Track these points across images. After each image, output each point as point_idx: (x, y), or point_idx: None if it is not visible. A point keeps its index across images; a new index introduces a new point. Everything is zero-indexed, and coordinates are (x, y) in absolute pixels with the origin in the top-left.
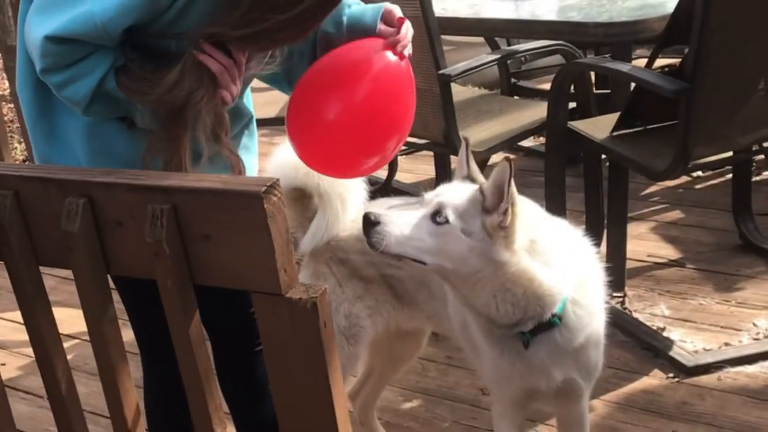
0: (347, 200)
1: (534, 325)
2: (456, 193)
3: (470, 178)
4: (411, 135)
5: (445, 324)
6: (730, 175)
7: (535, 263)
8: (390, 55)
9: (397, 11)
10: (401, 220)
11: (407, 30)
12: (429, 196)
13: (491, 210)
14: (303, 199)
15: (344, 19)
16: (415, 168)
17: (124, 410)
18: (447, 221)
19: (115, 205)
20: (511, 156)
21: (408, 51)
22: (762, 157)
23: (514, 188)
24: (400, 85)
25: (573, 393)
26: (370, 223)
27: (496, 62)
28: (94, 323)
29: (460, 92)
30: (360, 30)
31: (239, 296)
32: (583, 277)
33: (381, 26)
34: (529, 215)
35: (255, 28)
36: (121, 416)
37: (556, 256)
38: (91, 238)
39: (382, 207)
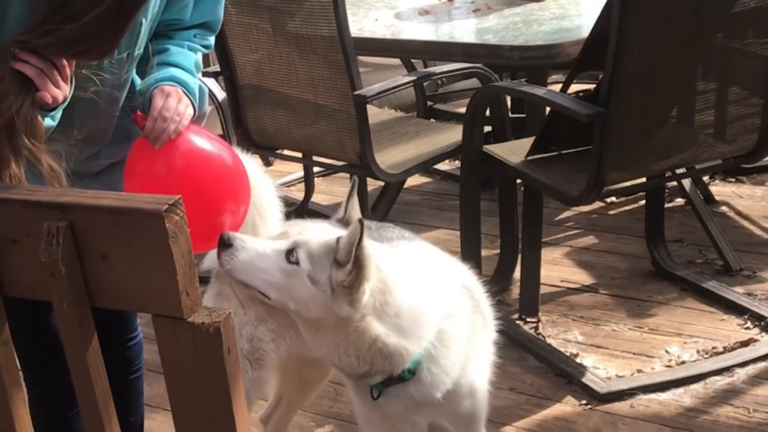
0: (258, 228)
1: (383, 379)
2: (318, 236)
3: (345, 222)
4: (327, 156)
5: None
6: (643, 202)
7: (382, 326)
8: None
9: (159, 100)
10: (257, 248)
11: (156, 119)
12: (294, 230)
13: (343, 264)
14: None
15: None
16: (332, 189)
17: None
18: (297, 263)
19: (10, 222)
20: (364, 220)
21: (160, 144)
22: (675, 183)
23: (366, 250)
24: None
25: None
26: (223, 243)
27: (412, 84)
28: None
29: (376, 114)
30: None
31: (117, 321)
32: (446, 334)
33: (138, 114)
34: (382, 276)
35: (54, 36)
36: None
37: (410, 319)
38: None
39: (294, 228)
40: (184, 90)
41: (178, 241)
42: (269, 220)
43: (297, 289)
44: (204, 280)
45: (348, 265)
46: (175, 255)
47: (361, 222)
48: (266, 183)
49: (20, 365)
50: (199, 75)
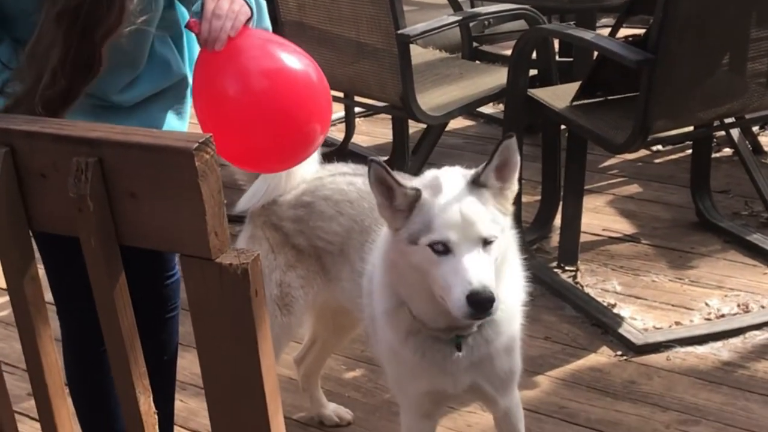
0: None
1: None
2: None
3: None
4: (368, 96)
5: (357, 310)
6: (690, 151)
7: None
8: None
9: (211, 3)
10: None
11: (210, 21)
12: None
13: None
14: None
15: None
16: (373, 131)
17: (44, 371)
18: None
19: (39, 156)
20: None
21: (219, 45)
22: (723, 133)
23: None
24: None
25: (485, 398)
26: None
27: (457, 24)
28: (14, 281)
29: (420, 54)
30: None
31: (156, 259)
32: (509, 274)
33: (191, 21)
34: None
35: None
36: (40, 375)
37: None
38: (13, 190)
39: (329, 173)
40: None
41: (208, 181)
42: (299, 167)
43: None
44: (237, 219)
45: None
46: (204, 195)
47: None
48: None
49: (54, 299)
50: None
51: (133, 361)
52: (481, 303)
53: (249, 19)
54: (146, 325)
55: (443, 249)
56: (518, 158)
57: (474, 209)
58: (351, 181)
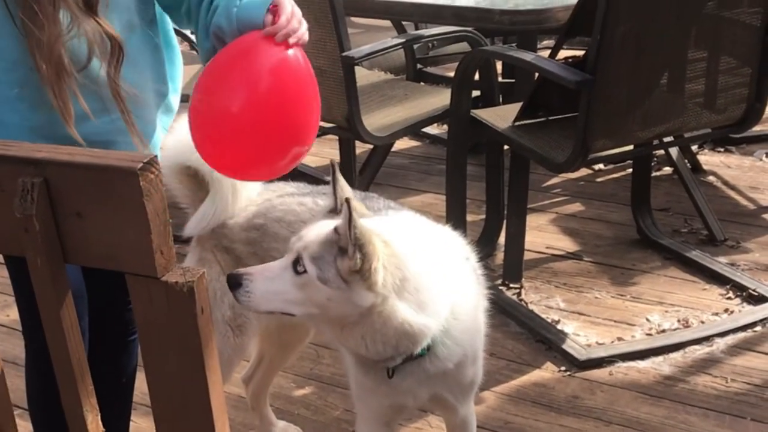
0: (239, 189)
1: (402, 360)
2: (317, 234)
3: (339, 211)
4: None
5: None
6: (631, 170)
7: (405, 304)
8: (274, 48)
9: (286, 4)
10: (265, 274)
11: (290, 20)
12: (293, 240)
13: (346, 251)
14: (197, 177)
15: (234, 10)
16: (320, 151)
17: None
18: (305, 271)
19: None
20: (353, 197)
21: (294, 39)
22: (663, 152)
23: (362, 227)
24: (288, 76)
25: (445, 406)
26: (234, 284)
27: (401, 46)
28: None
29: (365, 76)
30: (248, 23)
31: (118, 282)
32: (456, 305)
33: (268, 17)
34: (393, 251)
35: None
36: None
37: (428, 292)
38: None
39: (276, 194)
40: None
41: (153, 200)
42: (249, 184)
43: (314, 295)
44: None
45: (349, 249)
46: (149, 213)
47: (348, 201)
48: None
49: (21, 320)
50: None
51: (80, 379)
52: (228, 277)
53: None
54: (107, 348)
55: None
56: (349, 222)
57: (318, 228)
58: (301, 201)
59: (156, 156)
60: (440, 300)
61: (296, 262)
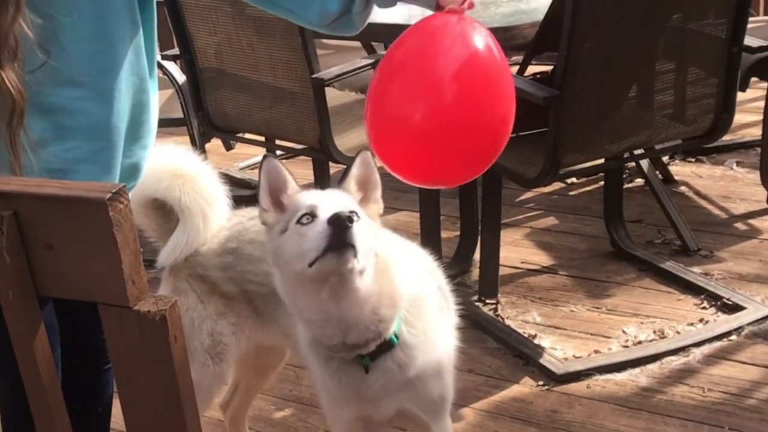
0: (208, 216)
1: (376, 347)
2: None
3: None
4: (286, 140)
5: (295, 343)
6: (603, 182)
7: (374, 283)
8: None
9: None
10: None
11: None
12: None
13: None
14: (164, 209)
15: None
16: (294, 172)
17: None
18: (360, 218)
19: None
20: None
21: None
22: (634, 164)
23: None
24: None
25: (417, 424)
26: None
27: (371, 66)
28: None
29: (337, 97)
30: None
31: (92, 312)
32: (417, 299)
33: None
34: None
35: None
36: None
37: (392, 279)
38: None
39: (246, 216)
40: None
41: (123, 230)
42: (218, 208)
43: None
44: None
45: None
46: (119, 243)
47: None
48: (209, 171)
49: None
50: None
51: (55, 411)
52: (339, 219)
53: None
54: (82, 378)
55: (309, 220)
56: (377, 174)
57: (336, 193)
58: None
59: (124, 186)
60: (403, 288)
61: (350, 218)
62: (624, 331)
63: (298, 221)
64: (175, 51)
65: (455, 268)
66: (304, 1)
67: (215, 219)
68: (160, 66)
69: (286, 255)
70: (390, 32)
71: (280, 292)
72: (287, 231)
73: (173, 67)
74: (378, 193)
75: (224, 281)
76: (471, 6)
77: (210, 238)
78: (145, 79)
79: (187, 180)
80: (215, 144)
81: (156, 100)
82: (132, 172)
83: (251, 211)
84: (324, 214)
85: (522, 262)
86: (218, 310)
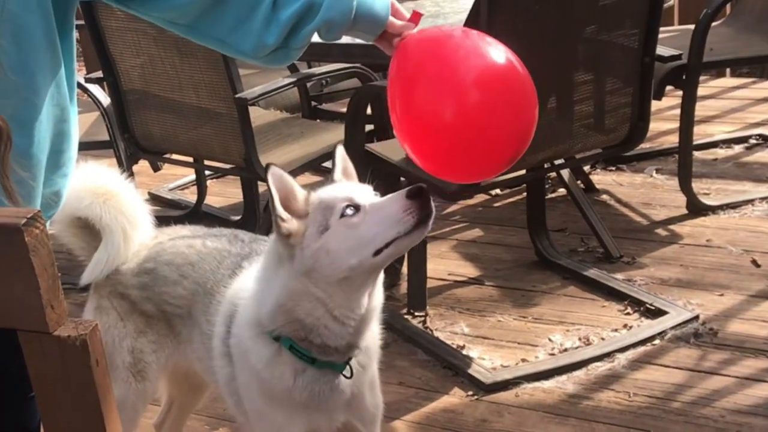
0: (129, 234)
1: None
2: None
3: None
4: (213, 159)
5: (209, 372)
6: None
7: None
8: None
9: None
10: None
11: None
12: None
13: None
14: (91, 228)
15: (354, 4)
16: (225, 191)
17: None
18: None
19: None
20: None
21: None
22: (555, 174)
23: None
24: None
25: None
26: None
27: (293, 85)
28: None
29: (261, 116)
30: (369, 20)
31: (12, 339)
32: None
33: (391, 19)
34: None
35: None
36: None
37: None
38: None
39: (168, 236)
40: None
41: (40, 255)
42: (139, 226)
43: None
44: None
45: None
46: (37, 269)
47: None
48: (131, 190)
49: None
50: None
51: None
52: (421, 190)
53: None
54: (7, 408)
55: (354, 210)
56: (351, 165)
57: (350, 183)
58: (191, 243)
59: (39, 211)
60: None
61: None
62: (550, 339)
63: (342, 215)
64: (99, 74)
65: (384, 281)
66: (238, 32)
67: (136, 237)
68: (85, 89)
69: (334, 252)
70: (309, 50)
71: (278, 317)
72: (330, 229)
73: (98, 90)
74: (355, 181)
75: (142, 300)
76: (418, 18)
77: (131, 257)
78: (66, 109)
79: (108, 198)
80: (143, 165)
81: (76, 128)
82: (53, 200)
83: (176, 231)
84: (363, 201)
85: (449, 274)
86: (138, 328)
